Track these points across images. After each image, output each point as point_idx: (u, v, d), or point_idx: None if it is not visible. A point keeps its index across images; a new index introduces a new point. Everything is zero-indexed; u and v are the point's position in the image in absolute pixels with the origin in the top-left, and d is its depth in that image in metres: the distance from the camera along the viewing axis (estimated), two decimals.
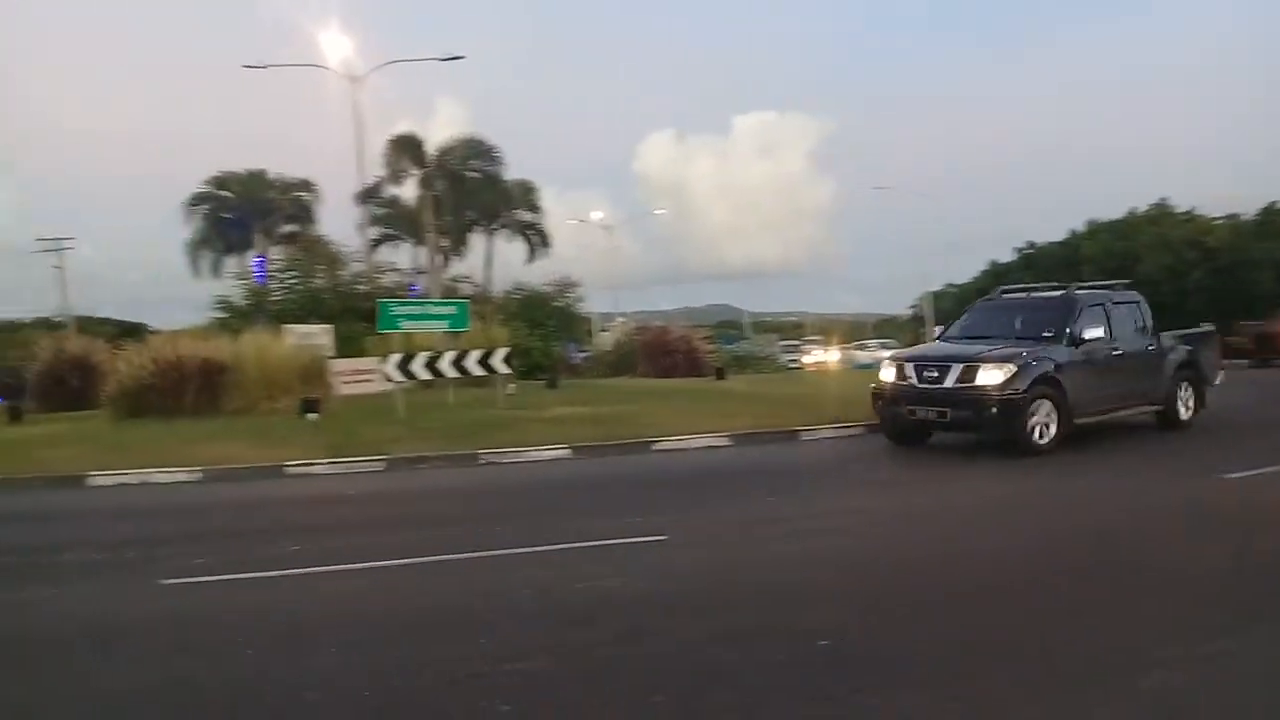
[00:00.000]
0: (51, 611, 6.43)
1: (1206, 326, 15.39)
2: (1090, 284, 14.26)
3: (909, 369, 12.54)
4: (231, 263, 43.95)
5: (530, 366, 28.12)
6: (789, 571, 6.62)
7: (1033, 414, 11.54)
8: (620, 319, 60.82)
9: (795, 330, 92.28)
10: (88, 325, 44.99)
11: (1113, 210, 63.15)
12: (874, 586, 6.18)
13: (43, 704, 4.73)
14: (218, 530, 9.18)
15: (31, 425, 20.02)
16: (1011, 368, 11.55)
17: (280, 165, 48.88)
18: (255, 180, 45.31)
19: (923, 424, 12.50)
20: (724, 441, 14.14)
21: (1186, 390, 13.78)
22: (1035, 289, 14.29)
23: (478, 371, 18.80)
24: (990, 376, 11.55)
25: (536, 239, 46.53)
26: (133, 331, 41.97)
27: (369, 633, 5.52)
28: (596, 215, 63.63)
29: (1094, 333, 12.37)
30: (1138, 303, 13.67)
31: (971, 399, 11.60)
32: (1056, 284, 14.16)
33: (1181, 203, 55.96)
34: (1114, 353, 12.67)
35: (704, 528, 8.28)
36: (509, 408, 17.83)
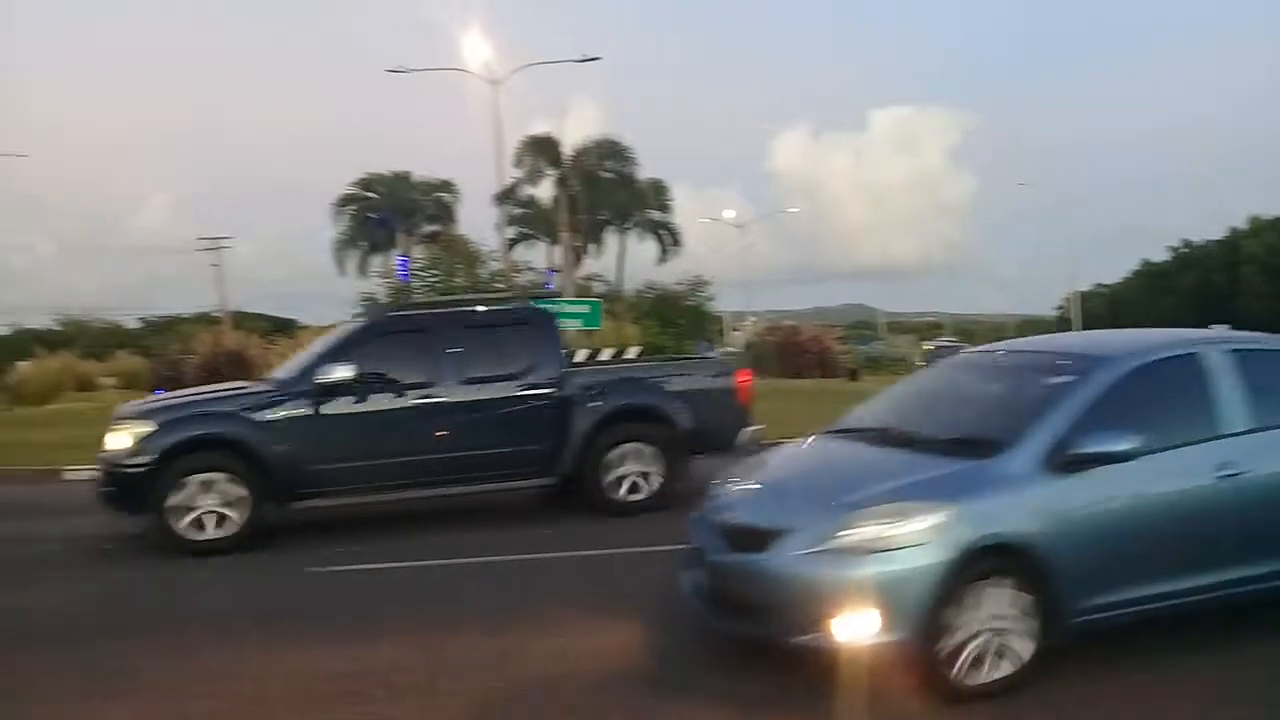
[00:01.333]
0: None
1: (730, 354, 10.27)
2: (444, 300, 9.41)
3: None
4: (376, 261, 45.61)
5: None
6: None
7: (180, 494, 7.84)
8: (752, 318, 60.49)
9: (932, 331, 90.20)
10: (243, 320, 47.40)
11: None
12: None
13: None
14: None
15: None
16: (146, 427, 8.07)
17: (423, 166, 50.52)
18: (399, 181, 46.94)
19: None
20: None
21: (635, 455, 8.97)
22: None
23: None
24: (117, 439, 8.16)
25: (668, 238, 46.74)
26: (285, 327, 44.15)
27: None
28: (729, 213, 63.25)
29: (344, 373, 8.30)
30: (528, 324, 9.38)
31: (102, 471, 8.37)
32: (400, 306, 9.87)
33: None
34: (424, 401, 8.54)
35: None
36: None
